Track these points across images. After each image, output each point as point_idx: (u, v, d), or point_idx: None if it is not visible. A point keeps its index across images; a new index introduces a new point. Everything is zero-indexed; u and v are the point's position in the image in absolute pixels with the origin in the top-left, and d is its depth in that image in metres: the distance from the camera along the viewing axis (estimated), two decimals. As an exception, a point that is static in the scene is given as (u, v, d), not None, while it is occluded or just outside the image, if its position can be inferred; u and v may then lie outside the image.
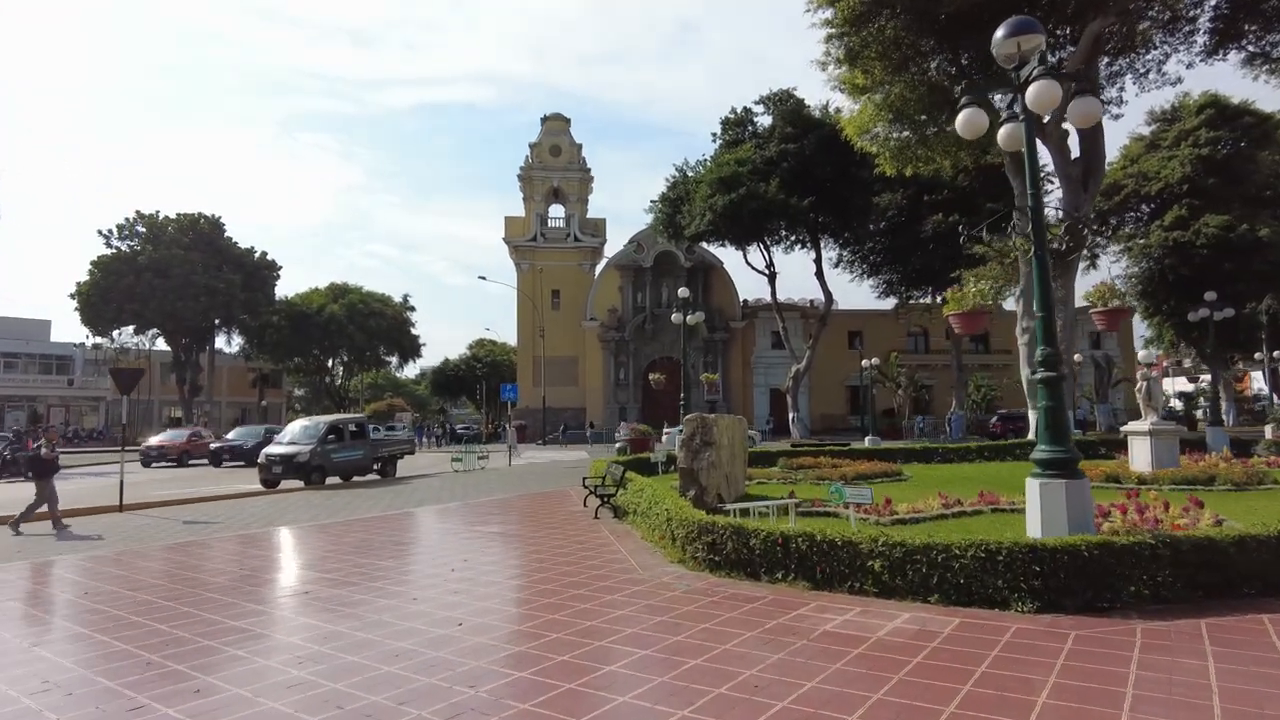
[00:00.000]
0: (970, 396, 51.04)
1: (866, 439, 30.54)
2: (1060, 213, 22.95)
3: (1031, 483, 7.28)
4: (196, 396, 57.65)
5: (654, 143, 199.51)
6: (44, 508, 12.89)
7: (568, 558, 9.13)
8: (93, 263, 49.84)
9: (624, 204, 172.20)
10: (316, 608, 7.04)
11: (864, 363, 35.55)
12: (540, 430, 51.44)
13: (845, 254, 48.75)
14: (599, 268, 58.53)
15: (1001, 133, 7.49)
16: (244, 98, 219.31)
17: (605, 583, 7.69)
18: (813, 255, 46.63)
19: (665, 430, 27.94)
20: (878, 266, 48.62)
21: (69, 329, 53.84)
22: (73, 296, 50.19)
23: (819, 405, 54.35)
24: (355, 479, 22.22)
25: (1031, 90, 6.85)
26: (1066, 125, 24.77)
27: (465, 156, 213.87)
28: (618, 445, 22.88)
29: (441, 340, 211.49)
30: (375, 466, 23.02)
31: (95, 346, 56.71)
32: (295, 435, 21.35)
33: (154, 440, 36.70)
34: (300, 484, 20.03)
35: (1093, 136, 24.60)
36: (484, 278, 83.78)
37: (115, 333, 54.33)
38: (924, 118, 27.19)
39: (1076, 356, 35.81)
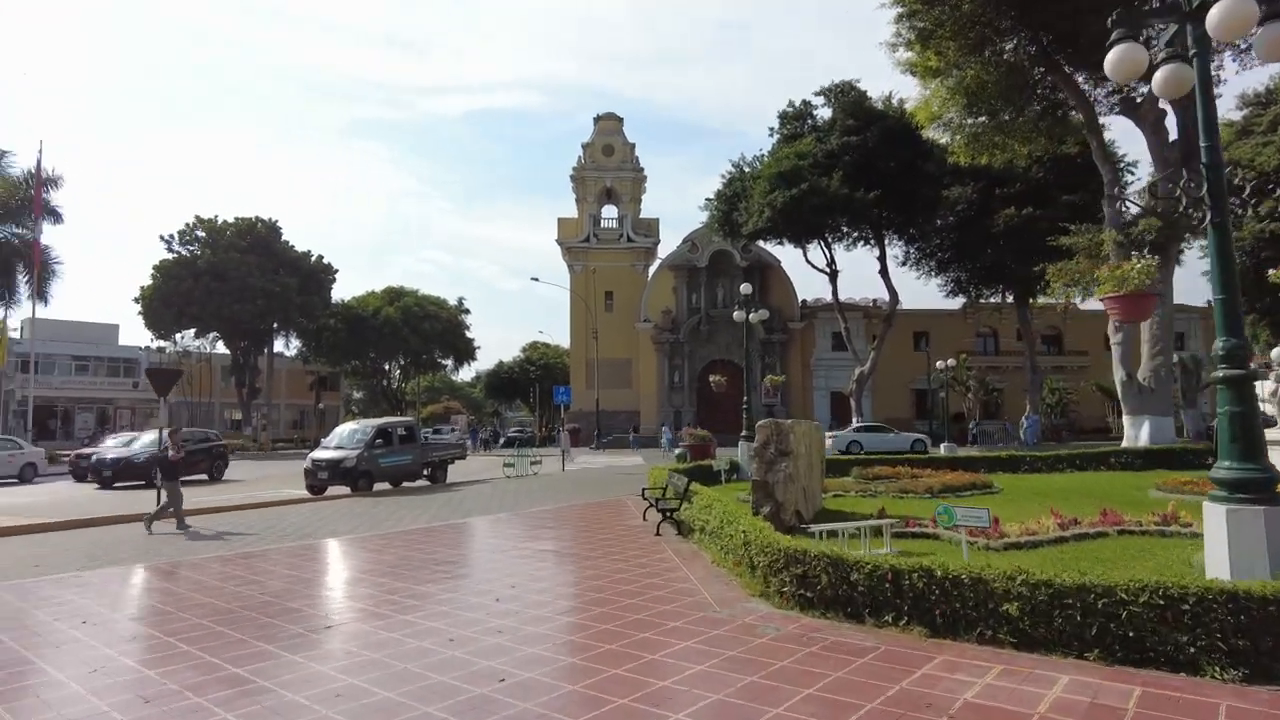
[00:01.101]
0: (1045, 400, 48.38)
1: (941, 446, 28.68)
2: (1164, 200, 20.93)
3: (1214, 509, 5.80)
4: (255, 399, 58.21)
5: (702, 144, 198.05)
6: (171, 507, 13.23)
7: (629, 585, 7.92)
8: (155, 267, 50.64)
9: (672, 207, 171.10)
10: (333, 650, 5.96)
11: (939, 364, 33.63)
12: (594, 434, 50.47)
13: (911, 251, 46.62)
14: (652, 268, 57.45)
15: (1159, 76, 6.02)
16: (304, 107, 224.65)
17: (676, 623, 6.46)
18: (876, 253, 44.67)
19: (663, 434, 26.67)
20: (946, 264, 46.40)
21: (136, 333, 54.92)
22: (136, 301, 51.06)
23: (882, 409, 52.18)
24: (404, 485, 21.43)
25: (1217, 11, 5.37)
26: (1164, 105, 22.76)
27: (515, 162, 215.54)
28: (676, 452, 21.63)
29: (495, 344, 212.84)
30: (425, 472, 22.19)
31: (159, 350, 57.76)
32: (342, 439, 20.63)
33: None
34: (347, 490, 19.26)
35: (1193, 116, 22.49)
36: (536, 279, 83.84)
37: (178, 336, 55.20)
38: (1001, 101, 25.40)
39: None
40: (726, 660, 5.41)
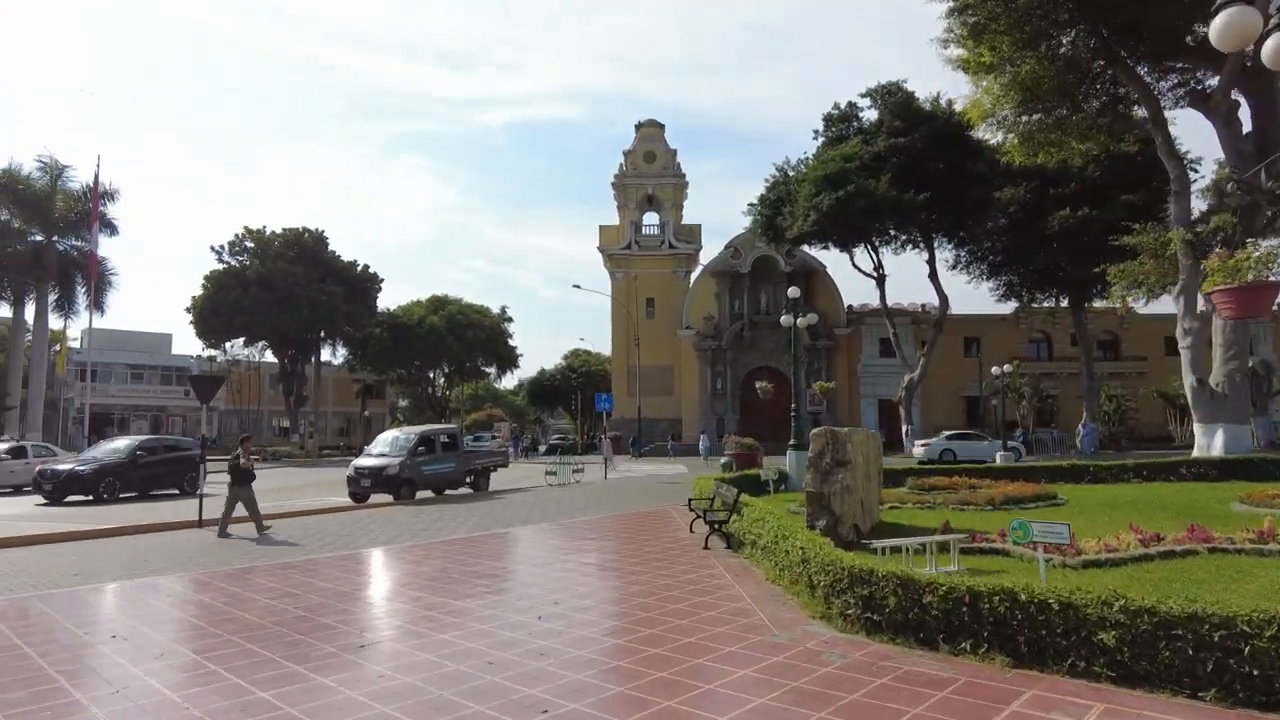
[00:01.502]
0: (1102, 408, 46.64)
1: (998, 455, 27.63)
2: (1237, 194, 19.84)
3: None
4: (302, 407, 59.02)
5: (742, 152, 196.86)
6: (239, 511, 13.47)
7: (679, 603, 7.46)
8: (205, 277, 51.68)
9: (713, 215, 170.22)
10: (366, 673, 5.59)
11: (994, 370, 32.49)
12: (628, 442, 50.05)
13: (962, 254, 45.38)
14: (694, 275, 56.95)
15: (1269, 46, 5.40)
16: (351, 122, 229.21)
17: (731, 647, 5.97)
18: (925, 256, 43.63)
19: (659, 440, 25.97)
20: (997, 267, 45.08)
21: (189, 343, 56.13)
22: (188, 310, 52.13)
23: (932, 417, 50.86)
24: (447, 493, 21.23)
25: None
26: (1236, 96, 21.63)
27: (557, 171, 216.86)
28: (722, 461, 21.10)
29: (538, 352, 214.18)
30: (467, 480, 21.97)
31: (210, 359, 58.96)
32: (385, 447, 20.50)
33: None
34: (389, 498, 19.11)
35: (1268, 106, 21.32)
36: (578, 286, 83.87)
37: (228, 345, 56.27)
38: (1058, 97, 24.41)
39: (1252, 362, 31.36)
40: (790, 692, 4.91)
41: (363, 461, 19.83)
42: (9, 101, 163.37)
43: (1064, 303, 46.93)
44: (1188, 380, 20.96)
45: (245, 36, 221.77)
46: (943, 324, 43.76)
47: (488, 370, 69.76)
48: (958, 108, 41.71)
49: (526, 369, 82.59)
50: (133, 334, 61.80)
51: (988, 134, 29.94)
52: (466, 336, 60.88)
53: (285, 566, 10.04)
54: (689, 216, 60.35)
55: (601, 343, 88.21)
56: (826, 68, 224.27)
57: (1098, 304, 46.56)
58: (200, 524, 14.16)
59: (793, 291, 20.00)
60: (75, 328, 48.30)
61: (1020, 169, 40.00)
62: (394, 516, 15.94)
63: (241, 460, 13.63)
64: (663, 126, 61.20)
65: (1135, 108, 25.04)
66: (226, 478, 13.53)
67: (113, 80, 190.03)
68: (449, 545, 11.60)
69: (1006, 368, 32.41)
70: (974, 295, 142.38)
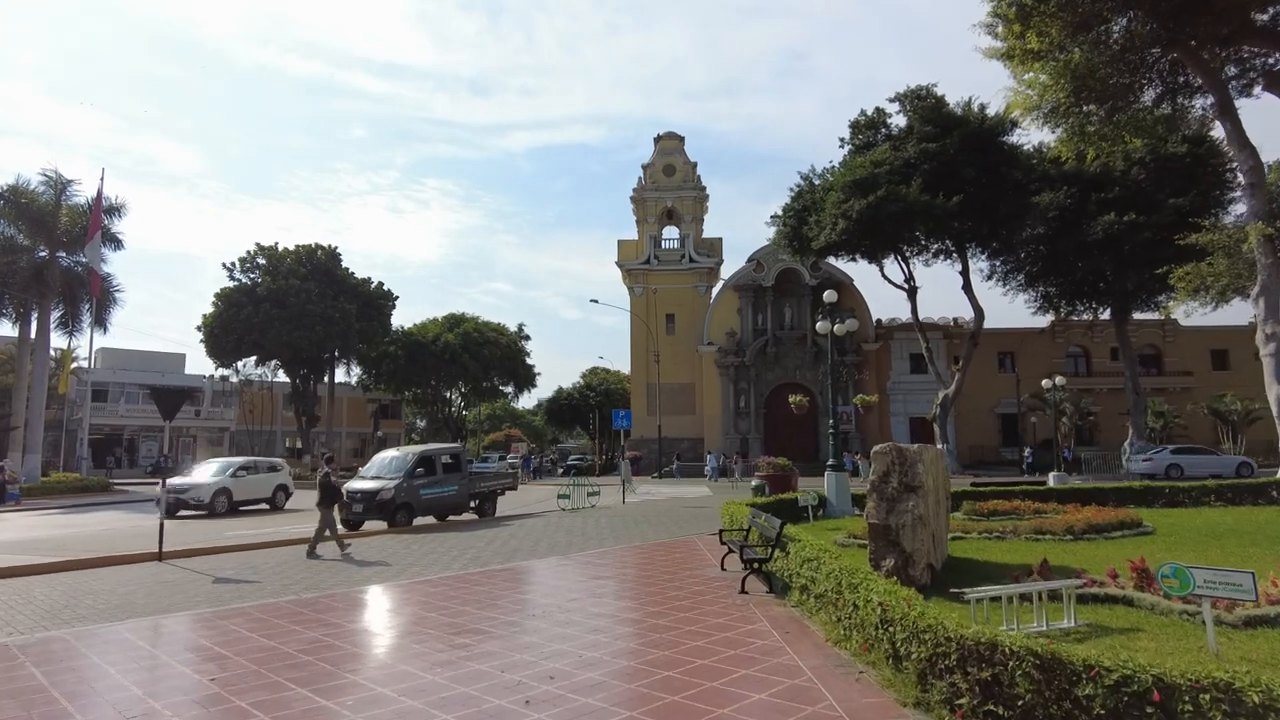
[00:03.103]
0: (1148, 424, 44.09)
1: (1051, 476, 25.47)
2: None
3: None
4: (314, 427, 57.60)
5: (763, 171, 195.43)
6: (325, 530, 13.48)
7: (716, 677, 5.59)
8: (216, 295, 50.49)
9: (732, 236, 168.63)
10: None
11: (1044, 383, 30.43)
12: (656, 462, 48.08)
13: (997, 265, 43.22)
14: (715, 289, 55.13)
15: None
16: (373, 149, 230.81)
17: (799, 764, 4.10)
18: (958, 267, 41.51)
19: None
20: (1034, 277, 42.85)
21: (202, 362, 54.90)
22: (198, 329, 50.97)
23: (966, 436, 48.60)
24: (451, 519, 19.43)
25: None
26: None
27: (577, 195, 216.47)
28: (753, 484, 19.16)
29: (557, 373, 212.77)
30: (472, 504, 20.15)
31: (223, 378, 57.73)
32: (381, 468, 18.74)
33: None
34: (384, 525, 17.32)
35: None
36: (596, 300, 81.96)
37: (240, 364, 55.02)
38: (1113, 85, 22.47)
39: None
40: None
41: (355, 485, 18.05)
42: (39, 121, 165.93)
43: (1104, 314, 44.63)
44: (1272, 392, 18.80)
45: (265, 64, 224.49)
46: (978, 337, 41.57)
47: (505, 390, 68.07)
48: (990, 112, 39.93)
49: (545, 389, 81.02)
50: (145, 354, 60.90)
51: (1032, 129, 28.14)
52: (482, 354, 59.30)
53: (229, 614, 8.24)
54: (709, 233, 58.66)
55: (621, 360, 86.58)
56: (845, 88, 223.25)
57: (1140, 315, 44.30)
58: (160, 557, 12.44)
59: (829, 295, 18.11)
60: (90, 347, 47.24)
61: (1059, 174, 38.04)
62: (381, 547, 14.16)
63: (331, 478, 14.02)
64: (682, 139, 59.72)
65: (1195, 97, 23.06)
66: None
67: (137, 103, 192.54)
68: (431, 588, 9.78)
69: (1059, 380, 30.21)
70: (1006, 310, 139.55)
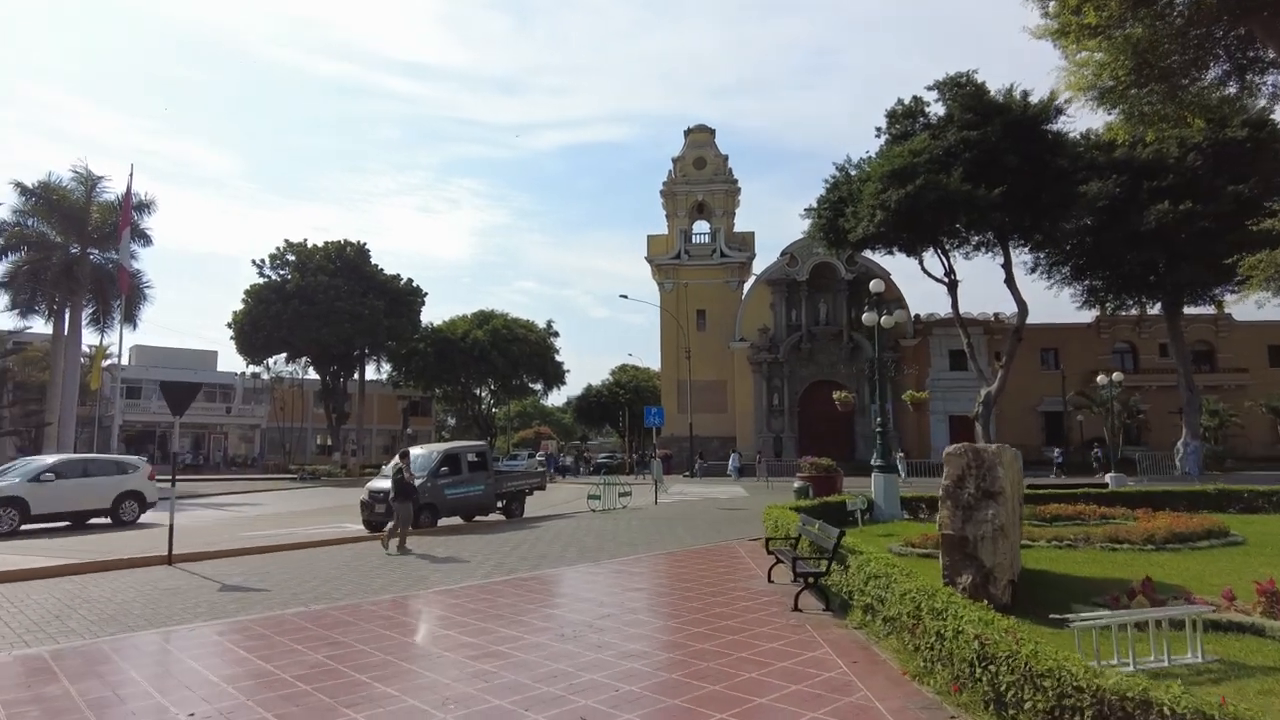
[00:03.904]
0: (1203, 424, 42.19)
1: (1108, 477, 24.14)
2: None
3: None
4: (344, 424, 57.47)
5: (792, 168, 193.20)
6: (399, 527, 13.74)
7: (778, 724, 4.69)
8: (245, 291, 50.48)
9: (764, 231, 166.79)
10: None
11: (1100, 378, 29.18)
12: (687, 461, 47.11)
13: (1040, 258, 41.62)
14: (747, 285, 53.97)
15: None
16: (404, 149, 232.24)
17: None
18: (999, 259, 40.00)
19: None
20: (1080, 270, 41.18)
21: (235, 359, 54.86)
22: (228, 325, 51.01)
23: (1007, 435, 46.78)
24: (476, 519, 18.70)
25: None
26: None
27: (606, 193, 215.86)
28: (796, 486, 18.16)
29: (587, 371, 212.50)
30: (499, 504, 19.40)
31: (254, 375, 57.82)
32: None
33: None
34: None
35: None
36: (625, 296, 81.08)
37: (271, 361, 55.02)
38: (1178, 60, 21.11)
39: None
40: None
41: (377, 484, 17.33)
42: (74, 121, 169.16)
43: (1154, 309, 42.84)
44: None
45: (296, 66, 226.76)
46: (1022, 332, 40.02)
47: (534, 387, 67.50)
48: (1034, 99, 38.43)
49: (574, 386, 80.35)
50: (178, 351, 61.25)
51: (1082, 114, 26.91)
52: (511, 351, 58.72)
53: (224, 630, 7.48)
54: (739, 228, 57.50)
55: (650, 358, 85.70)
56: (875, 83, 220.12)
57: (1190, 310, 42.47)
58: (170, 560, 11.81)
59: (875, 285, 17.06)
60: (124, 344, 47.42)
61: (1108, 161, 36.47)
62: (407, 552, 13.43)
63: (405, 476, 14.27)
64: (713, 132, 58.63)
65: (1267, 73, 21.59)
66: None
67: (175, 108, 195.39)
68: (454, 598, 8.99)
69: (1117, 376, 28.80)
70: (1048, 304, 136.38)
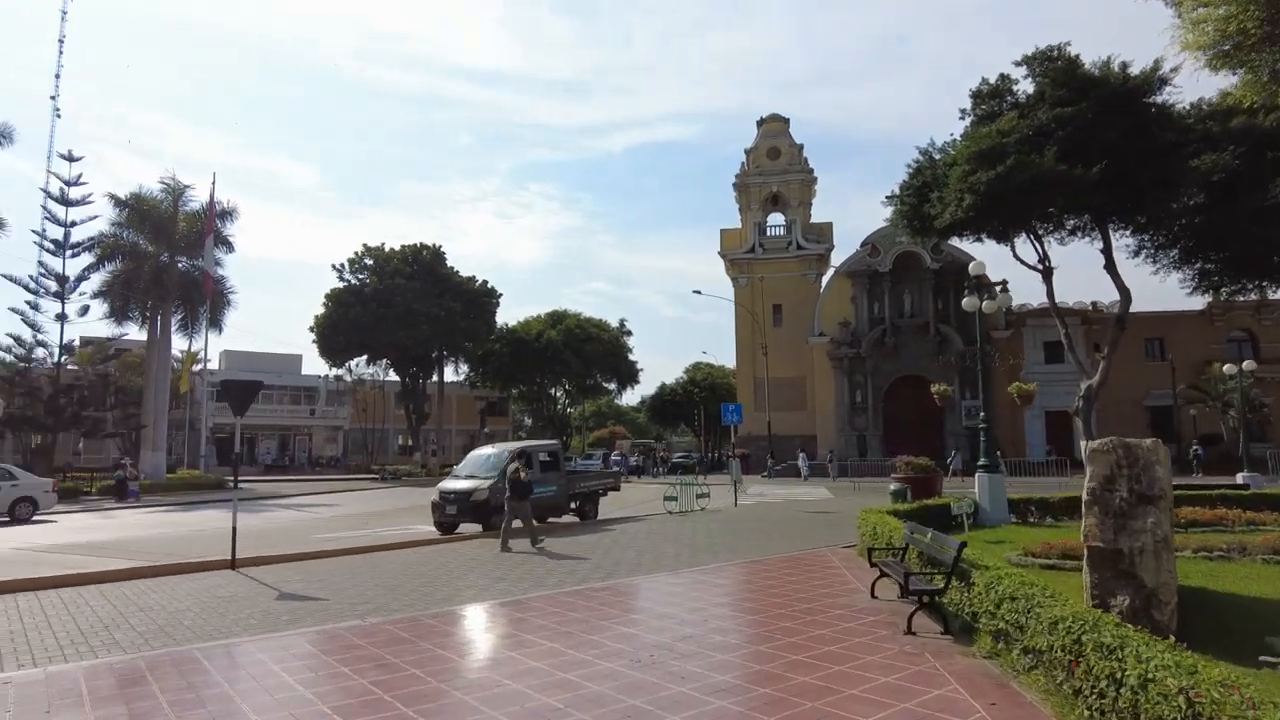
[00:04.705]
0: (1343, 418, 38.52)
1: (1241, 476, 21.95)
2: None
3: None
4: (424, 424, 58.17)
5: (866, 158, 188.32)
6: (517, 524, 14.08)
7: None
8: (325, 295, 51.49)
9: (839, 224, 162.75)
10: None
11: (1227, 369, 26.73)
12: (764, 461, 45.75)
13: (1145, 240, 38.67)
14: (825, 277, 52.19)
15: None
16: (478, 155, 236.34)
17: None
18: (1097, 244, 37.29)
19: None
20: (1190, 253, 38.07)
21: (319, 363, 56.22)
22: (311, 330, 52.14)
23: (1110, 431, 43.48)
24: (549, 520, 18.04)
25: None
26: None
27: (674, 192, 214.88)
28: (892, 488, 16.90)
29: (659, 370, 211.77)
30: (572, 505, 18.71)
31: (336, 378, 59.13)
32: (474, 467, 17.48)
33: None
34: (479, 529, 16.05)
35: None
36: (699, 291, 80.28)
37: (352, 363, 56.06)
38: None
39: None
40: None
41: (449, 485, 16.85)
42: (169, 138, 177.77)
43: (1277, 293, 39.31)
44: None
45: (372, 79, 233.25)
46: (1125, 320, 37.23)
47: (608, 386, 67.10)
48: (1133, 71, 35.69)
49: (647, 386, 79.71)
50: (264, 355, 63.06)
51: (1194, 79, 24.47)
52: (585, 350, 58.39)
53: (264, 647, 6.88)
54: (815, 219, 55.68)
55: (724, 355, 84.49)
56: (951, 69, 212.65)
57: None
58: (233, 565, 11.45)
59: (975, 267, 15.80)
60: (213, 348, 49.06)
61: (1224, 131, 33.48)
62: (476, 556, 12.80)
63: (521, 475, 14.21)
64: (786, 121, 57.05)
65: None
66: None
67: (263, 125, 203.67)
68: (521, 611, 8.23)
69: (1248, 365, 26.35)
70: (1151, 290, 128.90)
